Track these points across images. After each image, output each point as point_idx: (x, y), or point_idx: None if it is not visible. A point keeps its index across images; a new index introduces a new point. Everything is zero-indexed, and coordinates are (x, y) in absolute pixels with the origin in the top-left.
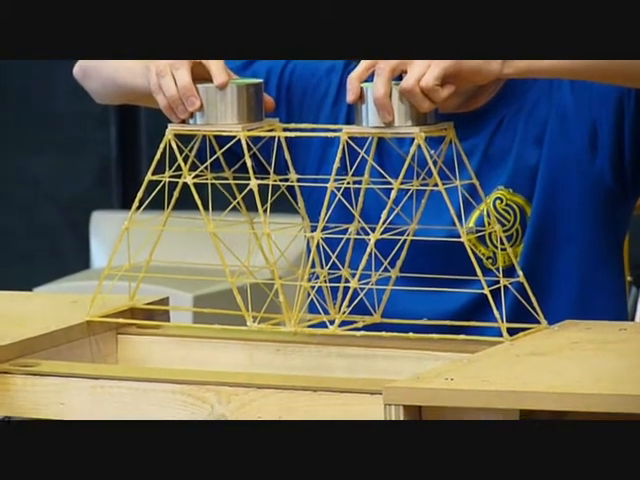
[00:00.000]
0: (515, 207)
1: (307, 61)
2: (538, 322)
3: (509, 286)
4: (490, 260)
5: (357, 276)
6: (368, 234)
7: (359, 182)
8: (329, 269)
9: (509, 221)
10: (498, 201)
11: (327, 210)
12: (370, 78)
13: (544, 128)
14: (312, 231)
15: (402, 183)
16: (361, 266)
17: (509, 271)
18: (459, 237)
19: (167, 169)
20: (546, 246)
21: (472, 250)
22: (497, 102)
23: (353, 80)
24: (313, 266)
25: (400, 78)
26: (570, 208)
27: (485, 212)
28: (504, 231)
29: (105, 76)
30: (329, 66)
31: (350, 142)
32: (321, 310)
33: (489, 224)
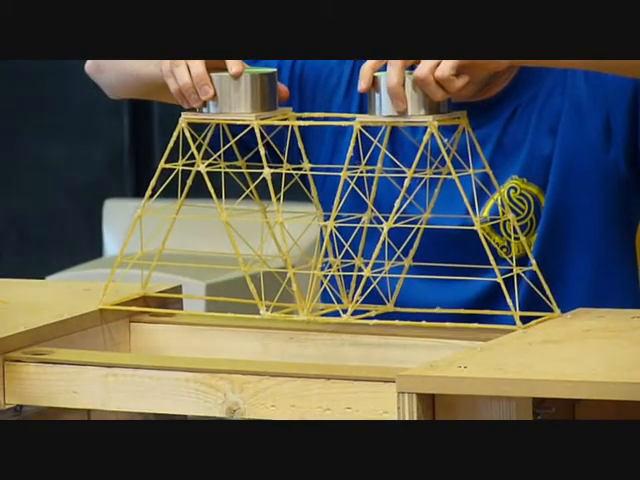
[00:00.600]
0: (529, 196)
1: None
2: (551, 310)
3: (522, 275)
4: (505, 249)
5: (370, 265)
6: (381, 223)
7: (372, 171)
8: (342, 258)
9: (523, 210)
10: (512, 190)
11: (340, 199)
12: (383, 68)
13: (558, 118)
14: (325, 220)
15: (415, 172)
16: (374, 255)
17: (523, 260)
18: (473, 226)
19: (180, 157)
20: (560, 235)
21: (486, 239)
22: (511, 91)
23: (366, 69)
24: (326, 255)
25: (413, 67)
26: (584, 198)
27: (499, 201)
28: (518, 220)
29: (120, 67)
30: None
31: (364, 131)
32: (334, 299)
33: (503, 213)
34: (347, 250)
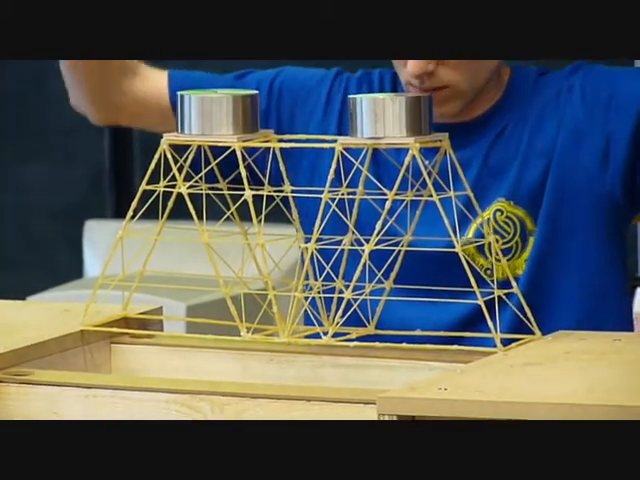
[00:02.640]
0: (515, 219)
1: (297, 72)
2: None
3: (504, 298)
4: (489, 272)
5: (350, 287)
6: (362, 245)
7: (353, 193)
8: (323, 280)
9: (509, 233)
10: (498, 213)
11: (321, 221)
12: (363, 90)
13: (553, 142)
14: (306, 242)
15: (397, 194)
16: (355, 277)
17: (507, 283)
18: (454, 248)
19: (162, 179)
20: (551, 258)
21: (468, 262)
22: (498, 110)
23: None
24: (307, 277)
25: (395, 90)
26: (576, 222)
27: (484, 223)
28: (504, 243)
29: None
30: (319, 77)
31: (345, 153)
32: (315, 322)
33: (487, 235)
34: (328, 272)
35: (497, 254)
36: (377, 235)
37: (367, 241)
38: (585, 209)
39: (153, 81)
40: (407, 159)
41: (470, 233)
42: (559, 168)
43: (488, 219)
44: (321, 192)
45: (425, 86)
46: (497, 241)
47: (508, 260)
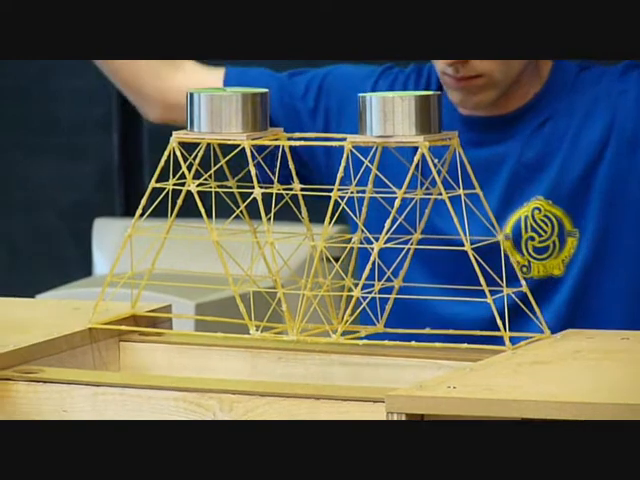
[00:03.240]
0: (553, 219)
1: (347, 69)
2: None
3: (512, 295)
4: (524, 269)
5: (360, 285)
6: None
7: (364, 192)
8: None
9: (546, 232)
10: (536, 211)
11: (330, 219)
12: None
13: (602, 144)
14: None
15: (407, 192)
16: (364, 275)
17: (546, 281)
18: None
19: (171, 177)
20: (597, 264)
21: (478, 261)
22: (537, 104)
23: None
24: (318, 275)
25: (406, 88)
26: (625, 227)
27: (522, 220)
28: (540, 242)
29: None
30: (366, 73)
31: (355, 151)
32: (324, 319)
33: (525, 231)
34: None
35: (535, 252)
36: (386, 233)
37: (376, 239)
38: (635, 215)
39: (202, 76)
40: (416, 157)
41: (508, 228)
42: (610, 172)
43: (526, 216)
44: (331, 190)
45: (459, 75)
46: (533, 239)
47: (544, 259)
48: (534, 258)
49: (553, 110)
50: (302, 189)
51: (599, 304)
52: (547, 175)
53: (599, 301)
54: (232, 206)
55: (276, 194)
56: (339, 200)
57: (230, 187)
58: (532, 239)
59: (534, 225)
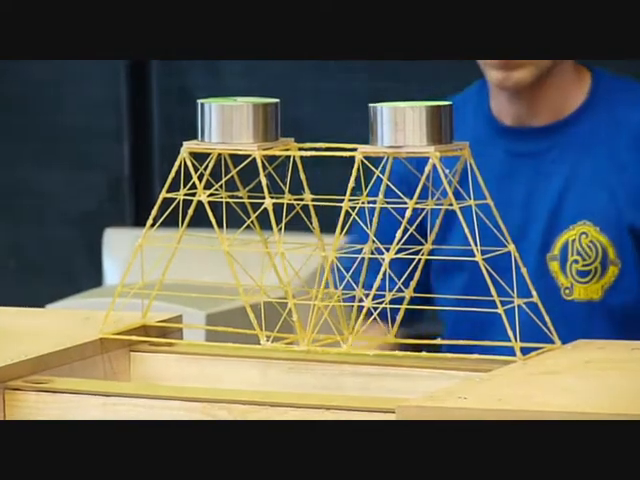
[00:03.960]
0: (599, 246)
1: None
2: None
3: (524, 306)
4: (567, 291)
5: (370, 295)
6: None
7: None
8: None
9: (590, 257)
10: (583, 236)
11: (341, 230)
12: (384, 98)
13: None
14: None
15: (418, 202)
16: (375, 285)
17: (586, 305)
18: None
19: (182, 187)
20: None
21: (489, 271)
22: (581, 115)
23: None
24: (327, 286)
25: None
26: None
27: (569, 243)
28: (584, 265)
29: None
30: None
31: (365, 161)
32: (335, 330)
33: (572, 254)
34: (356, 281)
35: (580, 275)
36: (397, 244)
37: (387, 249)
38: None
39: None
40: (427, 168)
41: (556, 249)
42: None
43: (573, 240)
44: (341, 201)
45: None
46: (577, 262)
47: (585, 283)
48: (577, 281)
49: (597, 124)
50: (313, 199)
51: (634, 330)
52: (596, 201)
53: (634, 326)
54: (243, 216)
55: (287, 204)
56: (350, 210)
57: (241, 197)
58: (576, 262)
59: (580, 249)
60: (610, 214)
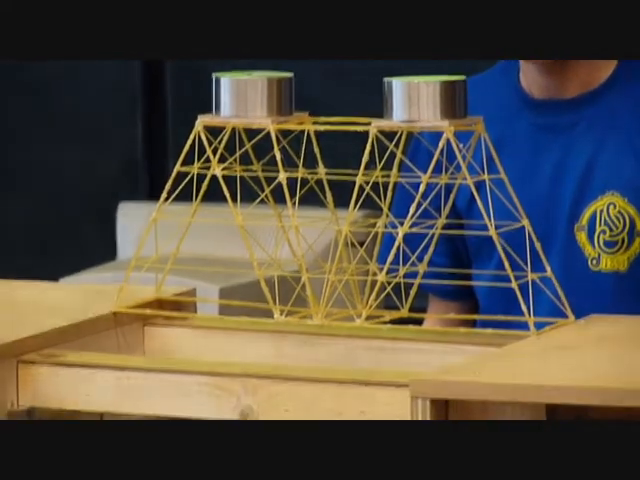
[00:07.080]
0: (626, 216)
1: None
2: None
3: (539, 283)
4: (594, 261)
5: (385, 270)
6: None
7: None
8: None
9: (617, 227)
10: (612, 207)
11: (355, 204)
12: (399, 72)
13: None
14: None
15: (431, 176)
16: (389, 260)
17: (611, 275)
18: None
19: (196, 160)
20: None
21: (504, 247)
22: (609, 87)
23: None
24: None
25: (430, 73)
26: None
27: (597, 214)
28: (611, 236)
29: None
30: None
31: (380, 136)
32: (349, 304)
33: (600, 225)
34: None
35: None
36: (411, 218)
37: (401, 224)
38: None
39: None
40: (441, 143)
41: (584, 220)
42: None
43: (601, 210)
44: (355, 175)
45: None
46: (605, 232)
47: (612, 254)
48: (604, 251)
49: (624, 96)
50: (327, 173)
51: None
52: (624, 171)
53: None
54: (257, 190)
55: (301, 178)
56: (364, 185)
57: (255, 171)
58: (604, 232)
59: (607, 220)
60: (638, 185)
